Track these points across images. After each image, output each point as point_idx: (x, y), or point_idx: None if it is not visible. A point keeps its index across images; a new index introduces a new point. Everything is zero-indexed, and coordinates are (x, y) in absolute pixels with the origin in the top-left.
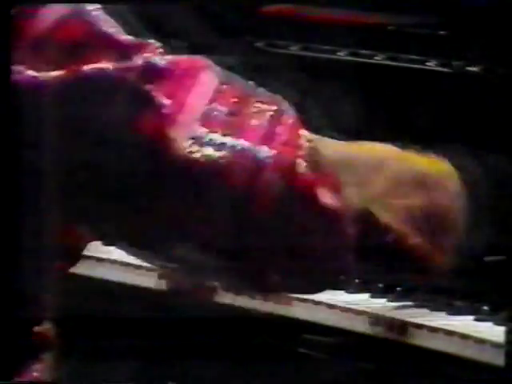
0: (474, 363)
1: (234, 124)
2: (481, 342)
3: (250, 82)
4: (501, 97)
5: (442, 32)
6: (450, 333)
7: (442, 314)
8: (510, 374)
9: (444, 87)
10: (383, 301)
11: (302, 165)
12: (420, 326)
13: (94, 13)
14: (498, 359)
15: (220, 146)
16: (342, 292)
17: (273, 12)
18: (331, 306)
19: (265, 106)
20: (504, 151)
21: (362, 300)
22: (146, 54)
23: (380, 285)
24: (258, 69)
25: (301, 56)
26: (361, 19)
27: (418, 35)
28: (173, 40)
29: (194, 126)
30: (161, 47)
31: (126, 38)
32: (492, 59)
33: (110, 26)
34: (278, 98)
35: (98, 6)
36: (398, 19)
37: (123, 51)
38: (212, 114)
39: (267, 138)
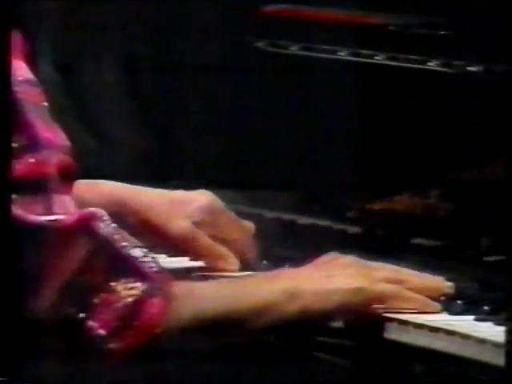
0: (474, 363)
1: (94, 303)
2: (481, 341)
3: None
4: (501, 97)
5: (442, 32)
6: (449, 333)
7: (442, 314)
8: (510, 373)
9: (445, 87)
10: None
11: None
12: (420, 326)
13: None
14: (498, 359)
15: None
16: None
17: (273, 12)
18: None
19: (131, 286)
20: (504, 152)
21: None
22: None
23: None
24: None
25: (301, 56)
26: (361, 19)
27: (419, 35)
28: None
29: (53, 297)
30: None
31: None
32: (492, 59)
33: None
34: (153, 273)
35: None
36: (398, 19)
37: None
38: (74, 288)
39: (122, 327)
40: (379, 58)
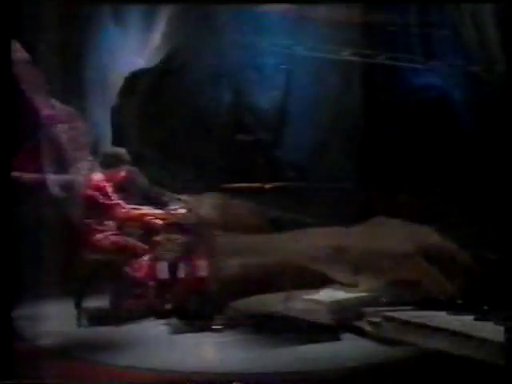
0: (474, 363)
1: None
2: (481, 341)
3: None
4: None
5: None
6: (449, 333)
7: (442, 314)
8: (509, 373)
9: (445, 86)
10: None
11: None
12: (420, 326)
13: None
14: (498, 359)
15: None
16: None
17: (273, 12)
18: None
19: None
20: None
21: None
22: None
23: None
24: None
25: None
26: (361, 19)
27: (419, 35)
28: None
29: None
30: None
31: None
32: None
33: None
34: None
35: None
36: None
37: None
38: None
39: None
40: (379, 58)
